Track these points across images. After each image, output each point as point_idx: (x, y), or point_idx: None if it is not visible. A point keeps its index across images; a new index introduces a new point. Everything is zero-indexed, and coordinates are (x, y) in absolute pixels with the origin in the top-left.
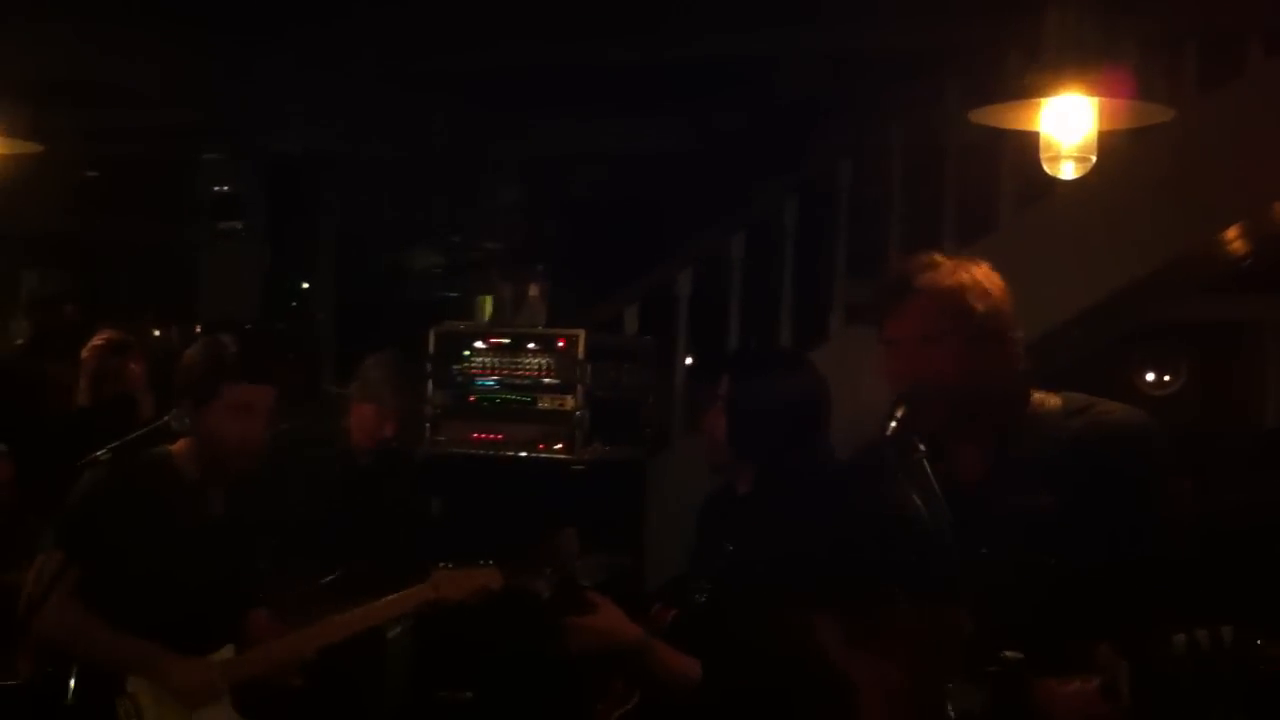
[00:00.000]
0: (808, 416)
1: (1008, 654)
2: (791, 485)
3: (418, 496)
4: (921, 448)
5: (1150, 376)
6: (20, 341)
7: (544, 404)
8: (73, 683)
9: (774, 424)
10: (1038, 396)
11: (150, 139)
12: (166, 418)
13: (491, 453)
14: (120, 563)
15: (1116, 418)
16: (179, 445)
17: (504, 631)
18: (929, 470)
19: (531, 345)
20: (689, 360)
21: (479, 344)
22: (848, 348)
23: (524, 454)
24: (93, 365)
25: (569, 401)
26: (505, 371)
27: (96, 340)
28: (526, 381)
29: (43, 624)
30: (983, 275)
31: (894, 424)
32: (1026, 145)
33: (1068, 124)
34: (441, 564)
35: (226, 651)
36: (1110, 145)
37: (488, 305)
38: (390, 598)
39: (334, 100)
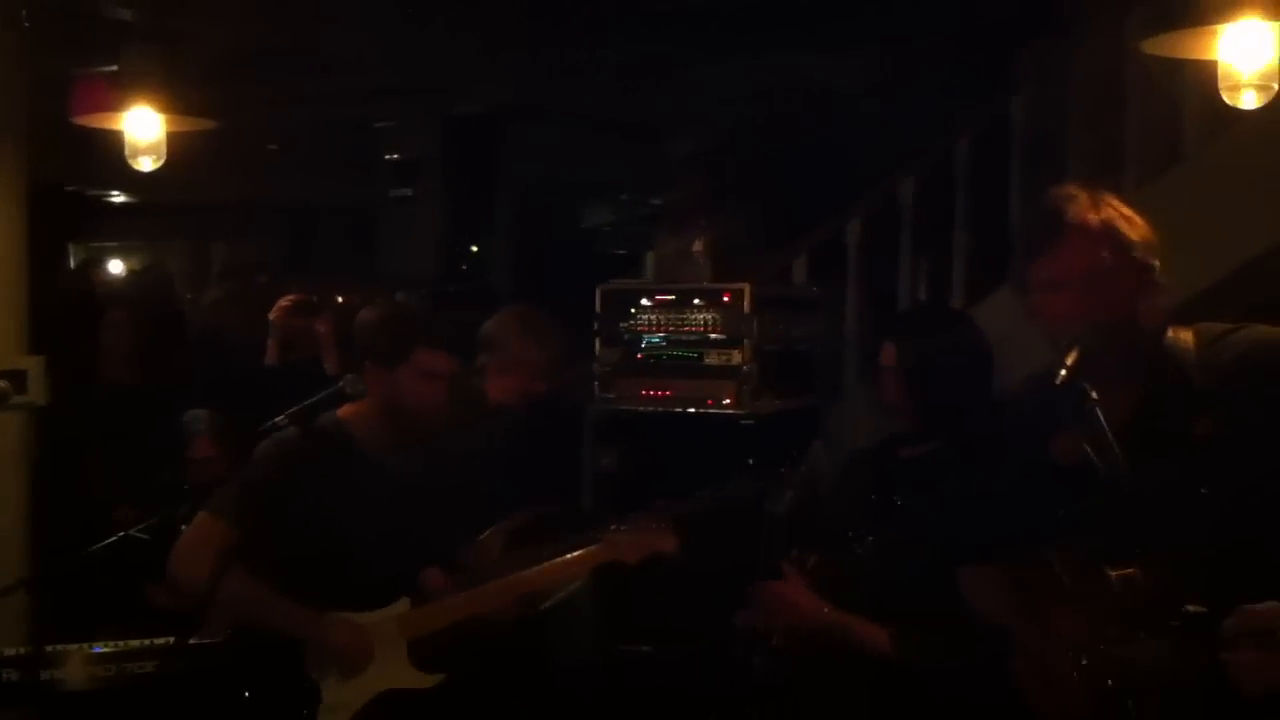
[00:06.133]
0: (982, 375)
1: (1190, 608)
2: (976, 443)
3: (566, 450)
4: (1094, 395)
5: None
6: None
7: (711, 359)
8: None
9: (953, 386)
10: (1171, 329)
11: (330, 104)
12: (340, 383)
13: (660, 409)
14: (285, 531)
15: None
16: (350, 409)
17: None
18: (1102, 418)
19: (697, 300)
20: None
21: (645, 301)
22: None
23: (692, 410)
24: (280, 326)
25: (736, 355)
26: (672, 328)
27: (283, 302)
28: (693, 337)
29: (189, 579)
30: (1122, 204)
31: (1064, 371)
32: (1210, 75)
33: (1247, 50)
34: (613, 525)
35: (401, 606)
36: None
37: (651, 262)
38: (564, 558)
39: (511, 57)
